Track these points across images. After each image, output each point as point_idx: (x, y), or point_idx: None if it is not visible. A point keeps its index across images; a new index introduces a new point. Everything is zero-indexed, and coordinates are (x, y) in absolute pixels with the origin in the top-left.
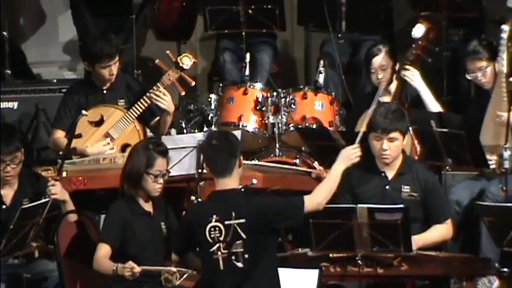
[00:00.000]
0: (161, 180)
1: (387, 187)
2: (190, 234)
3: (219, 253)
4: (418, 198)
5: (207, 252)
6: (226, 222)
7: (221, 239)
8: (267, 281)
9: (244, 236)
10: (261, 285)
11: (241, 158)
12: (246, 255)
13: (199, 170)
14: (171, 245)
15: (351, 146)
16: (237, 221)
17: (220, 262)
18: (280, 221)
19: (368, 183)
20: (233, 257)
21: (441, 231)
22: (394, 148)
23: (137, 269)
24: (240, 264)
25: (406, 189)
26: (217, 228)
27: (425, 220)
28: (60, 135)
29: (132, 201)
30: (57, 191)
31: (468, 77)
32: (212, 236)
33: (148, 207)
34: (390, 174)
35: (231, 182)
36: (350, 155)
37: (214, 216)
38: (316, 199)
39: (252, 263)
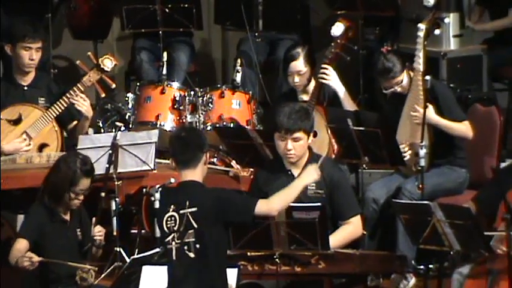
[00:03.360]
0: (81, 197)
1: None
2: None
3: (173, 243)
4: (323, 195)
5: (164, 243)
6: (181, 212)
7: (175, 228)
8: (216, 274)
9: (195, 226)
10: (210, 277)
11: (208, 155)
12: (197, 245)
13: (109, 168)
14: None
15: (315, 166)
16: (189, 210)
17: (173, 252)
18: (233, 214)
19: (275, 182)
20: (185, 247)
21: (347, 231)
22: (299, 147)
23: (35, 258)
24: (191, 254)
25: (311, 187)
26: (173, 218)
27: (334, 218)
28: None
29: (52, 209)
30: None
31: (386, 92)
32: (168, 225)
33: (66, 215)
34: (296, 172)
35: (194, 175)
36: (313, 173)
37: (172, 206)
38: (270, 204)
39: (202, 254)
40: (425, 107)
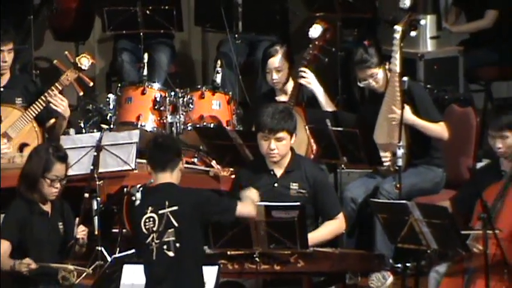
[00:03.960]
0: (58, 185)
1: (276, 185)
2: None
3: (153, 243)
4: (306, 195)
5: (143, 245)
6: (160, 212)
7: (154, 229)
8: (194, 272)
9: (176, 224)
10: (188, 276)
11: (184, 160)
12: (177, 244)
13: (93, 169)
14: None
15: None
16: (169, 209)
17: (154, 252)
18: (214, 213)
19: (258, 181)
20: (165, 246)
21: (332, 227)
22: (282, 147)
23: (33, 265)
24: (171, 253)
25: (294, 186)
26: (151, 219)
27: (317, 216)
28: None
29: (31, 201)
30: None
31: (360, 85)
32: (147, 227)
33: (46, 207)
34: (278, 172)
35: (171, 178)
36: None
37: (150, 208)
38: (249, 206)
39: (182, 253)
40: (403, 108)
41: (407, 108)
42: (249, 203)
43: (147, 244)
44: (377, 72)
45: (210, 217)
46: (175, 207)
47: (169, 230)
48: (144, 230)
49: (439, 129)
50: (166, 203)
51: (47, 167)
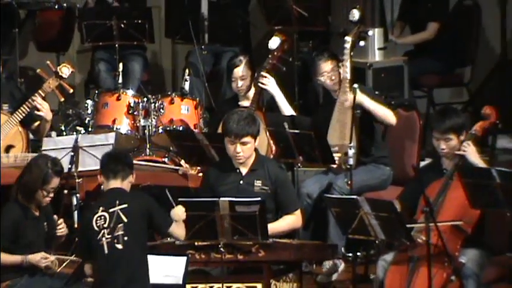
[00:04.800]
0: (52, 194)
1: (241, 182)
2: (85, 235)
3: (104, 239)
4: (268, 191)
5: (95, 241)
6: (111, 210)
7: (105, 225)
8: (141, 263)
9: (125, 220)
10: (137, 266)
11: (134, 176)
12: (126, 238)
13: (72, 168)
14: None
15: (180, 208)
16: (120, 207)
17: (105, 247)
18: (156, 220)
19: (225, 179)
20: (115, 240)
21: (289, 221)
22: (247, 150)
23: (51, 258)
24: (119, 246)
25: (258, 183)
26: (102, 217)
27: (277, 211)
28: None
29: (24, 207)
30: None
31: (319, 79)
32: (98, 224)
33: (37, 212)
34: (244, 170)
35: (121, 186)
36: (181, 213)
37: (101, 208)
38: (180, 230)
39: (129, 245)
40: (353, 110)
41: (358, 91)
42: (181, 226)
43: (97, 240)
44: (331, 68)
45: (153, 221)
46: (125, 205)
47: (119, 225)
48: (95, 227)
49: (388, 112)
50: (117, 202)
51: (46, 180)
